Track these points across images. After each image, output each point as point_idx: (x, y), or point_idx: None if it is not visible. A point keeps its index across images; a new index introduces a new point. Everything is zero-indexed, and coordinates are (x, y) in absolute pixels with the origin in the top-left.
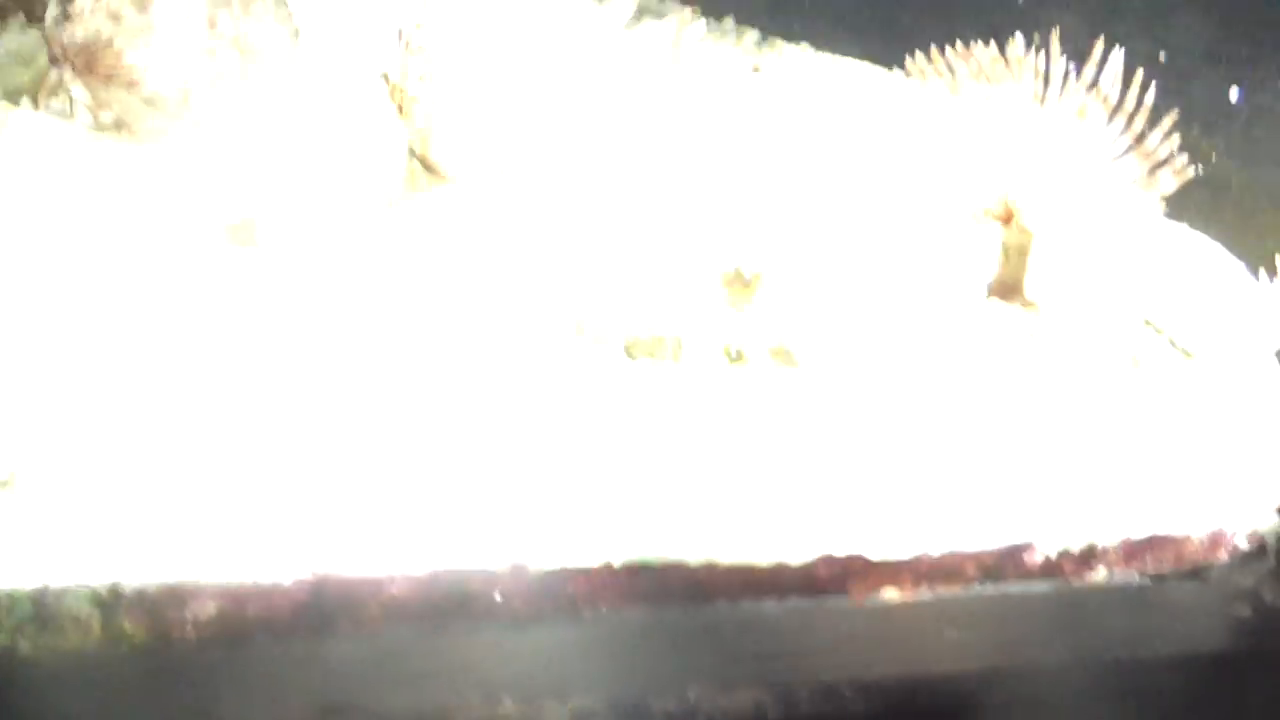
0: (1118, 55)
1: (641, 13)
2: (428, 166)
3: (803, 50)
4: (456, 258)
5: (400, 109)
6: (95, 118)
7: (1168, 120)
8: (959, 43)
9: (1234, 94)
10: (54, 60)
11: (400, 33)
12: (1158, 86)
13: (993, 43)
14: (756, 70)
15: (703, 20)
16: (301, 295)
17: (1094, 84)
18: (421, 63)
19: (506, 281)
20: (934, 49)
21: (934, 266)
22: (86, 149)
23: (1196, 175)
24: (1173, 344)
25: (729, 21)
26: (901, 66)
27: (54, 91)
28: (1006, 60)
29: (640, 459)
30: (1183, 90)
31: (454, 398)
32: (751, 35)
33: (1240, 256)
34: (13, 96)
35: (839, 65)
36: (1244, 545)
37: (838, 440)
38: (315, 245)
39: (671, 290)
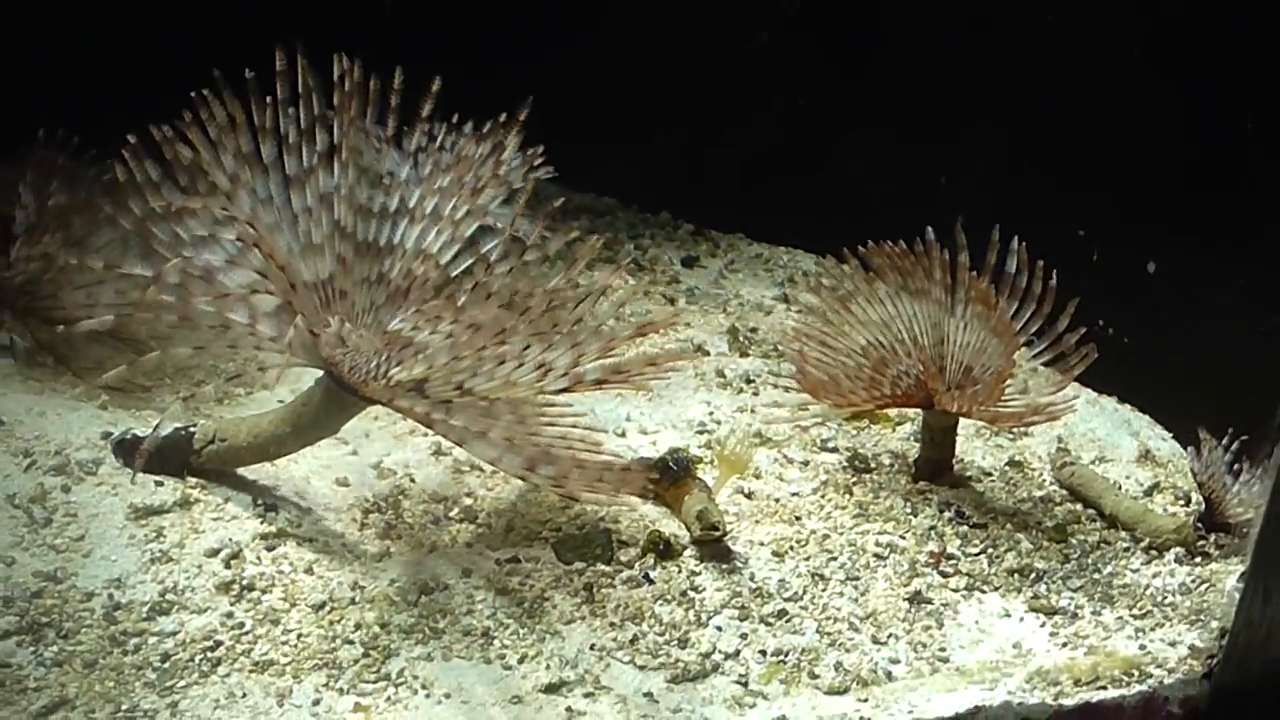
0: (1019, 243)
1: None
2: None
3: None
4: None
5: None
6: (34, 356)
7: (1071, 306)
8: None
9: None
10: None
11: None
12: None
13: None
14: None
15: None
16: None
17: (999, 272)
18: None
19: None
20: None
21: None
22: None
23: (1123, 346)
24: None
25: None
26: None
27: None
28: (916, 254)
29: None
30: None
31: None
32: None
33: (1169, 427)
34: None
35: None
36: (1177, 712)
37: None
38: None
39: None
